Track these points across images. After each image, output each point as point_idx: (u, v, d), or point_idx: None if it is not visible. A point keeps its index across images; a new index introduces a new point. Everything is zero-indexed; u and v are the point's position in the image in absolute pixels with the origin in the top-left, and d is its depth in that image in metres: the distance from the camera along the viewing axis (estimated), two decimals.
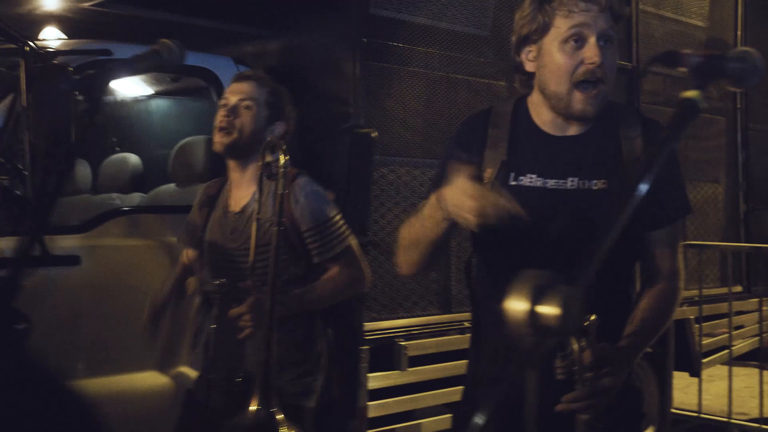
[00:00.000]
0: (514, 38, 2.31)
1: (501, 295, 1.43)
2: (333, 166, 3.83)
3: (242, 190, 3.05)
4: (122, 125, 4.13)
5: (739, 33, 6.33)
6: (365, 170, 4.00)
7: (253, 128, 3.00)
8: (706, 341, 6.00)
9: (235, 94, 3.03)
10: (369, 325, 4.01)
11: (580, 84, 2.17)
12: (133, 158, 4.34)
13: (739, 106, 6.39)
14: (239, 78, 3.13)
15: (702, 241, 5.92)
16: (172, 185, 4.11)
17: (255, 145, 2.99)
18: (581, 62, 2.15)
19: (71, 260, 3.23)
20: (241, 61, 4.10)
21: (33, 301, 2.44)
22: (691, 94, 1.58)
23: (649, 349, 5.82)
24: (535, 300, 1.27)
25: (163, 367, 3.68)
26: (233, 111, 2.98)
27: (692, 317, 5.83)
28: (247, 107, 2.98)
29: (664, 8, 5.74)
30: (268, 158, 2.83)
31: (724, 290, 6.05)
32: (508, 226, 2.07)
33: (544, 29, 2.19)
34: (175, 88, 4.13)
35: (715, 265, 6.16)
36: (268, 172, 2.83)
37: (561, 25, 2.17)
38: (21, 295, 2.12)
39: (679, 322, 5.66)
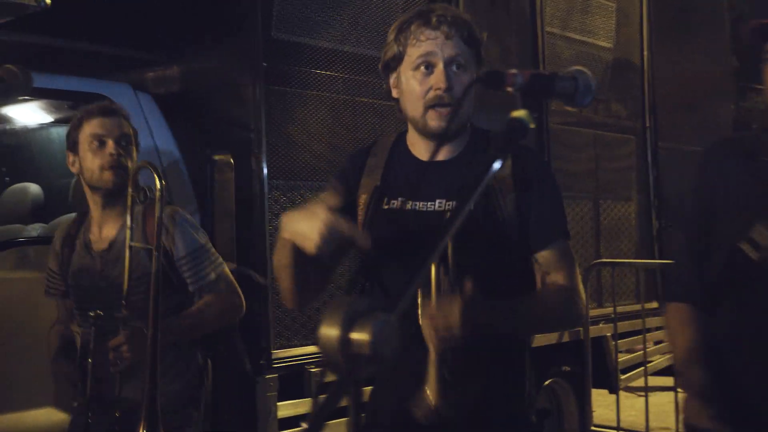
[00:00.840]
0: (380, 65, 2.44)
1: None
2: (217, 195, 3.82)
3: (108, 225, 3.04)
4: (21, 154, 4.06)
5: (645, 53, 6.48)
6: (227, 198, 3.97)
7: (129, 164, 3.00)
8: (623, 357, 6.14)
9: (111, 130, 3.01)
10: (278, 353, 3.99)
11: (430, 108, 2.28)
12: (33, 188, 4.28)
13: (648, 125, 6.52)
14: (106, 113, 3.07)
15: (616, 258, 6.06)
16: (72, 215, 4.03)
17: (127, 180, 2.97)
18: (430, 88, 2.26)
19: None
20: (140, 87, 4.05)
21: None
22: (519, 113, 1.65)
23: (565, 368, 5.86)
24: (347, 327, 1.27)
25: (60, 403, 3.56)
26: (118, 149, 2.97)
27: (608, 334, 5.91)
28: (128, 143, 3.01)
29: (570, 30, 5.83)
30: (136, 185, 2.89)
31: (638, 307, 6.18)
32: (376, 249, 2.24)
33: (400, 57, 2.31)
34: (66, 117, 4.09)
35: (630, 283, 6.29)
36: (143, 197, 2.82)
37: (412, 54, 2.28)
38: None
39: (596, 339, 5.80)
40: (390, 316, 1.30)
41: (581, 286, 2.49)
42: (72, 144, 3.03)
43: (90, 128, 2.99)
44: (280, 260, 2.27)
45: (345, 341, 1.27)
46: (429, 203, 2.33)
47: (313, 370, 4.07)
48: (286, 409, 4.02)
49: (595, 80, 1.79)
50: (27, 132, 4.09)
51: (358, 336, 1.27)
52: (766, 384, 2.21)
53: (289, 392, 4.05)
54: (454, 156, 2.39)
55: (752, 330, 2.28)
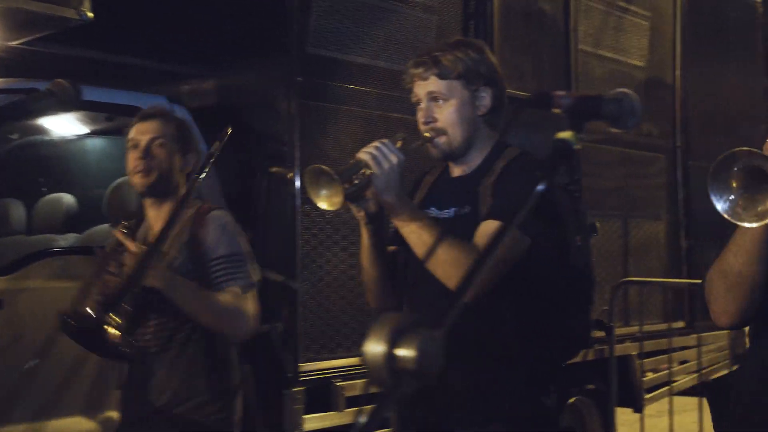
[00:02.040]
0: None
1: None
2: (255, 205, 3.82)
3: (160, 226, 3.01)
4: (57, 165, 4.08)
5: (677, 72, 6.47)
6: (283, 211, 3.98)
7: (170, 165, 2.99)
8: (649, 377, 6.10)
9: (144, 133, 3.01)
10: (305, 366, 3.97)
11: (427, 142, 2.54)
12: (67, 198, 4.30)
13: (678, 144, 6.50)
14: (144, 117, 3.10)
15: (644, 278, 6.01)
16: (106, 225, 4.06)
17: (173, 181, 3.00)
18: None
19: None
20: (175, 100, 4.02)
21: None
22: (564, 135, 1.64)
23: (590, 387, 5.84)
24: (393, 342, 1.24)
25: (89, 411, 3.59)
26: (147, 151, 2.96)
27: (634, 353, 5.87)
28: (161, 145, 2.97)
29: (603, 48, 5.86)
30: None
31: (665, 326, 6.14)
32: (406, 253, 2.58)
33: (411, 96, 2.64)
34: (111, 127, 4.08)
35: (657, 302, 6.24)
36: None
37: (412, 96, 2.61)
38: None
39: (621, 358, 5.74)
40: (435, 332, 1.28)
41: (483, 259, 2.45)
42: None
43: (129, 134, 3.04)
44: (361, 261, 2.65)
45: (391, 357, 1.24)
46: (445, 211, 2.55)
47: (338, 384, 4.07)
48: (313, 422, 4.00)
49: (640, 103, 1.79)
50: (63, 143, 4.10)
51: (405, 352, 1.24)
52: None
53: (316, 405, 4.03)
54: (470, 171, 2.59)
55: None
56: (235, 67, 4.31)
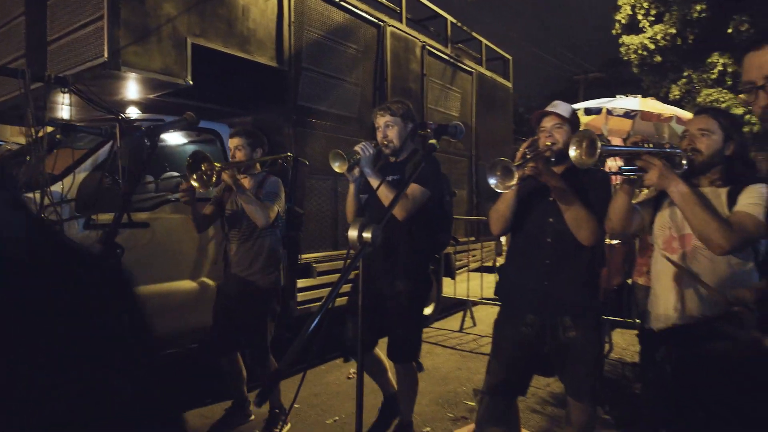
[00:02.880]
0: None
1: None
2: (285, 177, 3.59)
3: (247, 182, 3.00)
4: (171, 158, 3.97)
5: (473, 119, 6.37)
6: (302, 181, 3.89)
7: (250, 157, 2.98)
8: (458, 263, 5.76)
9: (233, 144, 3.00)
10: (304, 256, 3.95)
11: (384, 145, 2.54)
12: (176, 175, 4.15)
13: (473, 153, 6.24)
14: (232, 135, 3.06)
15: (461, 216, 5.81)
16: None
17: (253, 166, 2.99)
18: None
19: (144, 224, 3.11)
20: (231, 125, 3.88)
21: (125, 242, 2.38)
22: (432, 141, 1.83)
23: None
24: (361, 230, 1.33)
25: (192, 277, 3.47)
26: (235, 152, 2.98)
27: (452, 251, 5.59)
28: (242, 148, 2.97)
29: (439, 106, 5.72)
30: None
31: (466, 239, 5.98)
32: (371, 198, 2.53)
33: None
34: (198, 139, 4.03)
35: (464, 227, 6.01)
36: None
37: (376, 124, 2.59)
38: (117, 238, 2.17)
39: (447, 254, 5.52)
40: (378, 226, 1.35)
41: (400, 196, 2.20)
42: None
43: (230, 144, 3.03)
44: (347, 200, 2.56)
45: (360, 236, 1.33)
46: (390, 177, 2.48)
47: (314, 264, 3.98)
48: (302, 282, 3.86)
49: (463, 128, 1.97)
50: (177, 147, 3.96)
51: (366, 234, 1.33)
52: None
53: (305, 274, 3.92)
54: (401, 160, 2.58)
55: None
56: (260, 110, 4.09)
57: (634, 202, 1.91)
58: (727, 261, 1.66)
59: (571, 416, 2.11)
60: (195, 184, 2.66)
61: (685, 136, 1.84)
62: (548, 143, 2.01)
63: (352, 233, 1.33)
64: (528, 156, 1.92)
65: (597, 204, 1.96)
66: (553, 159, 2.00)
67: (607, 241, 4.67)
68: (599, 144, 1.63)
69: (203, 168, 2.67)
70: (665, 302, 1.78)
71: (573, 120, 2.07)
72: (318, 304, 3.72)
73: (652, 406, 1.83)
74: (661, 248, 1.85)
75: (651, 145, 1.74)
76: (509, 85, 7.35)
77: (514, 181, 1.81)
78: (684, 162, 1.76)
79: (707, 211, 1.60)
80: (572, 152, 1.73)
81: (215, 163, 2.68)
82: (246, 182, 2.99)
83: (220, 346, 2.99)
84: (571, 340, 1.99)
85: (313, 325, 1.10)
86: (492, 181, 1.84)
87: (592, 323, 2.02)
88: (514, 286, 2.16)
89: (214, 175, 2.68)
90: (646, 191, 2.24)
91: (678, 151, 1.78)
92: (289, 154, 3.20)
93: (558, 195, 1.97)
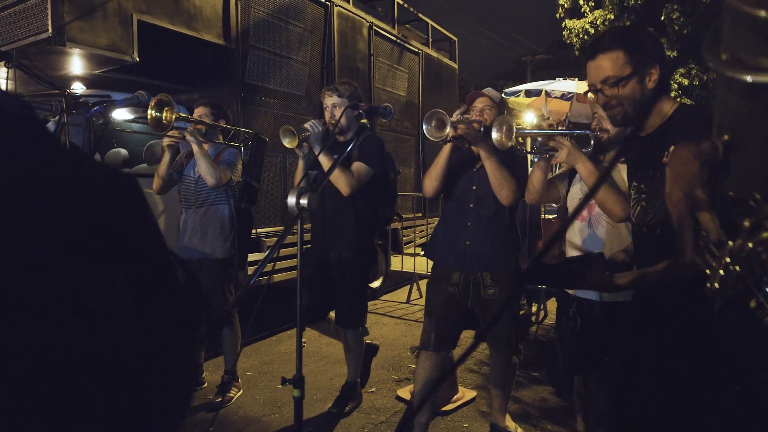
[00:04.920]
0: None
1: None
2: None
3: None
4: (118, 134, 3.85)
5: (420, 99, 6.43)
6: (261, 157, 3.84)
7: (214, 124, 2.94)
8: (405, 239, 5.95)
9: (200, 114, 2.97)
10: (259, 230, 4.05)
11: (332, 124, 2.51)
12: (123, 151, 3.94)
13: (419, 132, 6.21)
14: (201, 104, 3.03)
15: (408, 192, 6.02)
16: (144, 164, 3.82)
17: (217, 130, 2.99)
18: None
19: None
20: (179, 102, 3.84)
21: None
22: (364, 121, 1.91)
23: None
24: (299, 197, 1.42)
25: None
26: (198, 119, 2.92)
27: (399, 227, 5.72)
28: (207, 115, 2.97)
29: (387, 86, 5.81)
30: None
31: (413, 215, 6.14)
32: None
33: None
34: (144, 116, 3.89)
35: (412, 202, 6.18)
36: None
37: (324, 104, 2.58)
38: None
39: (395, 229, 5.61)
40: (315, 194, 1.43)
41: (339, 170, 2.39)
42: None
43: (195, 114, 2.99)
44: (295, 175, 2.54)
45: (298, 203, 1.40)
46: (336, 155, 2.45)
47: (264, 239, 4.06)
48: (253, 257, 3.89)
49: (392, 109, 2.02)
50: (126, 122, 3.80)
51: (303, 201, 1.40)
52: None
53: (256, 247, 4.01)
54: (347, 140, 2.61)
55: None
56: (208, 87, 4.06)
57: (553, 176, 2.10)
58: (625, 225, 1.87)
59: (491, 364, 2.35)
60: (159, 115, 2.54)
61: (594, 116, 1.99)
62: (478, 118, 2.20)
63: (291, 199, 1.40)
64: (462, 118, 2.06)
65: (516, 176, 2.15)
66: (482, 129, 2.14)
67: (544, 216, 5.06)
68: (515, 128, 1.86)
69: (165, 112, 2.57)
70: None
71: (501, 104, 2.25)
72: (266, 278, 3.76)
73: (567, 354, 2.02)
74: None
75: (563, 128, 1.90)
76: (455, 65, 7.47)
77: (445, 134, 1.92)
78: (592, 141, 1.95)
79: (607, 185, 1.75)
80: (494, 134, 1.92)
81: (180, 114, 2.63)
82: (206, 147, 2.96)
83: None
84: (490, 296, 2.19)
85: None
86: (425, 127, 1.93)
87: (509, 282, 2.19)
88: (441, 246, 2.31)
89: (173, 122, 2.57)
90: (565, 166, 2.50)
91: (587, 132, 1.93)
92: (249, 130, 3.20)
93: (486, 155, 2.09)
